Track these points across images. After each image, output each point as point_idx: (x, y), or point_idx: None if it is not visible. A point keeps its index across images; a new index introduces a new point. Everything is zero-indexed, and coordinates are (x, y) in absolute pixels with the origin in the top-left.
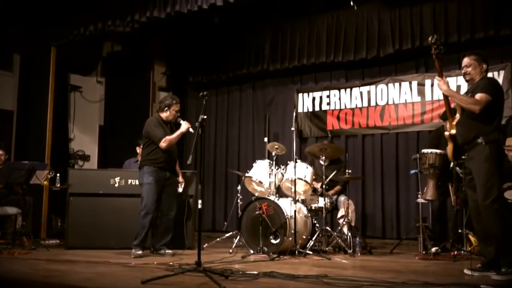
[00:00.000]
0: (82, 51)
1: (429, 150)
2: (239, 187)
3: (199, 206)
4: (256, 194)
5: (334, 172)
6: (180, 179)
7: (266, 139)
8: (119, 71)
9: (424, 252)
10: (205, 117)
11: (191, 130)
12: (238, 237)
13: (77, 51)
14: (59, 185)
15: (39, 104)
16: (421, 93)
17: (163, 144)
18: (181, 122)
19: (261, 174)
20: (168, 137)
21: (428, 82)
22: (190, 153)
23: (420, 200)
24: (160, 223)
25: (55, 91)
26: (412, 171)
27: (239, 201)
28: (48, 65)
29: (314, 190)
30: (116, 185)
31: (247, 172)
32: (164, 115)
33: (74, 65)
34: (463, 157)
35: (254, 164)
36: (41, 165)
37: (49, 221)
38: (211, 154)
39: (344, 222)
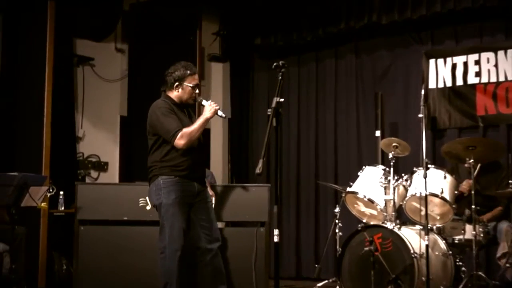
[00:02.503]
0: (93, 5)
1: None
2: (337, 209)
3: (276, 240)
4: (364, 220)
5: (490, 184)
6: (210, 191)
7: (378, 133)
8: (148, 34)
9: None
10: (281, 100)
11: (220, 114)
12: None
13: (85, 5)
14: (63, 208)
15: (31, 86)
16: None
17: (180, 141)
18: (204, 102)
19: (371, 189)
20: (187, 130)
21: None
22: (259, 156)
23: None
24: (203, 266)
25: (55, 66)
26: None
27: (337, 230)
28: (44, 28)
29: (458, 213)
30: (148, 207)
31: (350, 186)
32: (174, 94)
33: (82, 27)
34: None
35: (360, 173)
36: (36, 179)
37: (50, 262)
38: (293, 157)
39: (508, 264)
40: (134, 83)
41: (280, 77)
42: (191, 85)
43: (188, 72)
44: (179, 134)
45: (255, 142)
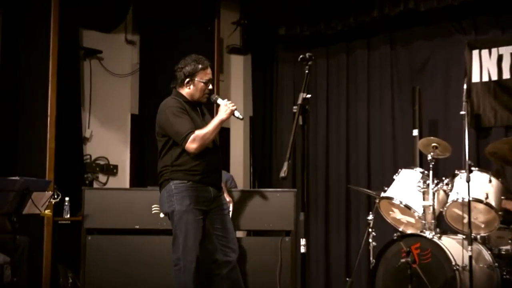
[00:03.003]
0: None
1: None
2: (370, 217)
3: (303, 250)
4: (401, 229)
5: None
6: (227, 197)
7: (415, 132)
8: (161, 24)
9: None
10: (308, 96)
11: (237, 115)
12: None
13: None
14: (68, 215)
15: (33, 81)
16: None
17: (191, 145)
18: (219, 101)
19: (408, 194)
20: (199, 132)
21: None
22: (284, 158)
23: None
24: (219, 280)
25: (59, 59)
26: None
27: (370, 240)
28: (47, 18)
29: (506, 220)
30: (162, 215)
31: (384, 191)
32: (186, 91)
33: (89, 16)
34: None
35: (395, 176)
36: (39, 184)
37: (55, 275)
38: (321, 159)
39: None
40: (146, 78)
41: (306, 71)
42: (203, 80)
43: (200, 66)
44: (191, 137)
45: (280, 143)
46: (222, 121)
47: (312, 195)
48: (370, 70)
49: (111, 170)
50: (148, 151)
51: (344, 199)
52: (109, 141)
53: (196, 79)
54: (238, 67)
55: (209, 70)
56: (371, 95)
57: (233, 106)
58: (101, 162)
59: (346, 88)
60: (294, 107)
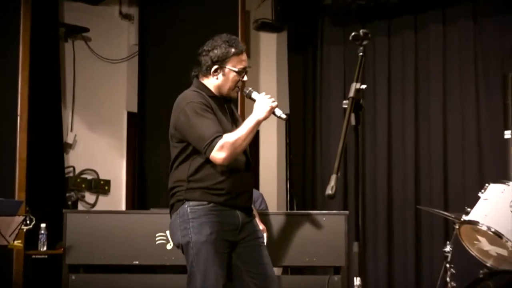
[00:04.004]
0: None
1: None
2: (447, 248)
3: None
4: (489, 264)
5: None
6: (260, 224)
7: (507, 134)
8: None
9: None
10: (363, 86)
11: (278, 113)
12: None
13: None
14: (45, 248)
15: (0, 68)
16: None
17: (219, 153)
18: (254, 95)
19: (499, 217)
20: (230, 137)
21: None
22: (332, 170)
23: None
24: None
25: (33, 41)
26: None
27: (448, 279)
28: None
29: None
30: (170, 245)
31: (466, 213)
32: (212, 82)
33: None
34: None
35: (481, 194)
36: (6, 206)
37: None
38: (381, 171)
39: None
40: (148, 65)
41: (361, 53)
42: (237, 69)
43: (233, 50)
44: (219, 144)
45: (325, 149)
46: (259, 122)
47: (369, 219)
48: (446, 52)
49: (101, 187)
50: (150, 161)
51: (412, 224)
52: (98, 149)
53: (227, 66)
54: (269, 49)
55: (244, 56)
56: (448, 85)
57: (273, 101)
58: (88, 177)
59: (414, 75)
60: (344, 101)
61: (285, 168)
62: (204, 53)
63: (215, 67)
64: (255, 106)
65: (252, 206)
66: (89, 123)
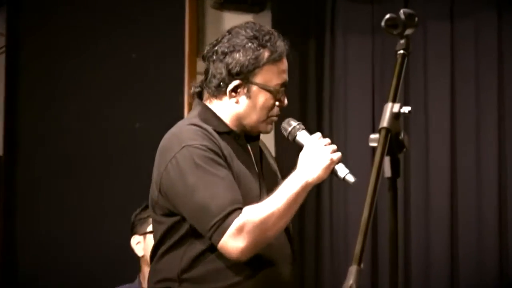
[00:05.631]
0: None
1: None
2: None
3: None
4: None
5: None
6: None
7: None
8: None
9: None
10: (406, 110)
11: (343, 174)
12: None
13: None
14: None
15: None
16: None
17: (235, 241)
18: (301, 136)
19: None
20: (256, 212)
21: None
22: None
23: None
24: None
25: None
26: None
27: None
28: None
29: None
30: None
31: None
32: (229, 108)
33: None
34: None
35: None
36: None
37: None
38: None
39: None
40: (20, 66)
41: (401, 50)
42: (273, 87)
43: (267, 54)
44: (236, 224)
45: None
46: (309, 186)
47: None
48: None
49: None
50: (24, 227)
51: None
52: None
53: (255, 81)
54: None
55: (285, 63)
56: None
57: (334, 151)
58: None
59: (496, 81)
60: (373, 136)
61: None
62: (215, 56)
63: (236, 83)
64: (303, 157)
65: None
66: None
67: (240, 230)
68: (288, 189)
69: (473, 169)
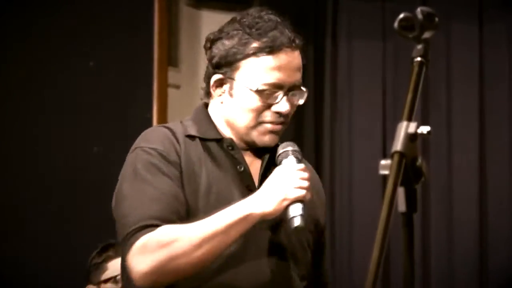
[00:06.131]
0: None
1: None
2: None
3: None
4: None
5: None
6: None
7: None
8: None
9: None
10: (424, 130)
11: (293, 216)
12: None
13: None
14: None
15: None
16: None
17: (136, 260)
18: (287, 159)
19: None
20: (173, 231)
21: None
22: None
23: None
24: None
25: None
26: None
27: None
28: None
29: None
30: None
31: None
32: (218, 109)
33: None
34: None
35: None
36: None
37: None
38: None
39: None
40: None
41: (418, 58)
42: (257, 86)
43: (255, 44)
44: (142, 241)
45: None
46: (252, 219)
47: None
48: None
49: None
50: None
51: None
52: None
53: (234, 76)
54: None
55: (283, 59)
56: None
57: (301, 188)
58: None
59: None
60: (383, 162)
61: None
62: (210, 43)
63: (216, 77)
64: (263, 186)
65: None
66: None
67: (143, 248)
68: (224, 216)
69: (507, 200)
